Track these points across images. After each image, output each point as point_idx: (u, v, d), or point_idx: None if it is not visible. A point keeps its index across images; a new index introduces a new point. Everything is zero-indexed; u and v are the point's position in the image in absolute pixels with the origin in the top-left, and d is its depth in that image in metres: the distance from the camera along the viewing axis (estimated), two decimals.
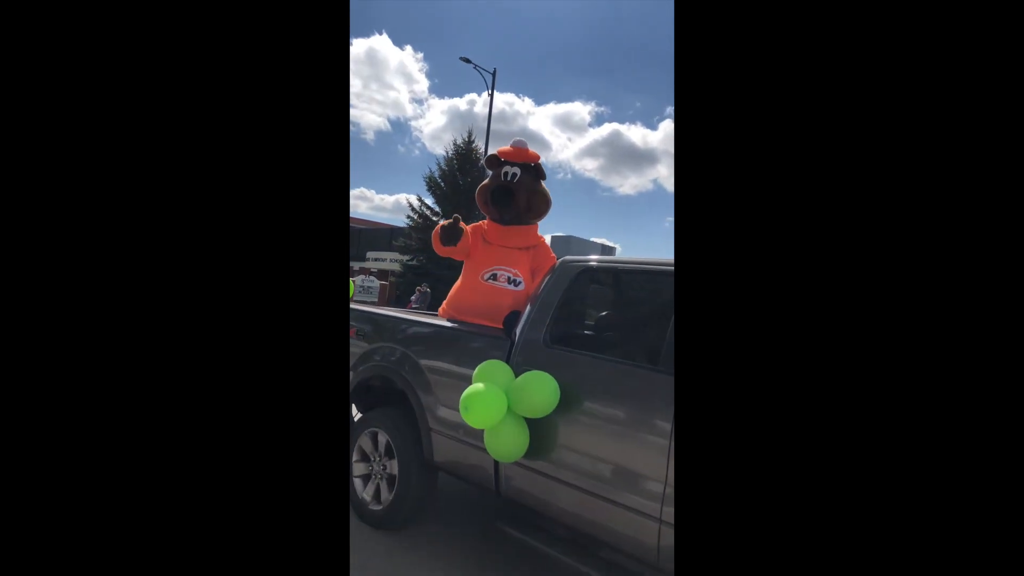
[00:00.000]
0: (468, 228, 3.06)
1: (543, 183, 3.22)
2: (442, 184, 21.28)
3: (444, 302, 3.18)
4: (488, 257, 3.07)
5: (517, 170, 3.12)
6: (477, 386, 2.19)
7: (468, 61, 17.35)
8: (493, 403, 2.14)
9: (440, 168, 21.61)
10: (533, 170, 3.18)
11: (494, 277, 3.00)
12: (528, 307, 2.58)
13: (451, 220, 2.92)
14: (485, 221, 3.25)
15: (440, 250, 3.04)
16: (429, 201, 21.43)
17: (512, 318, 2.66)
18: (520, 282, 3.04)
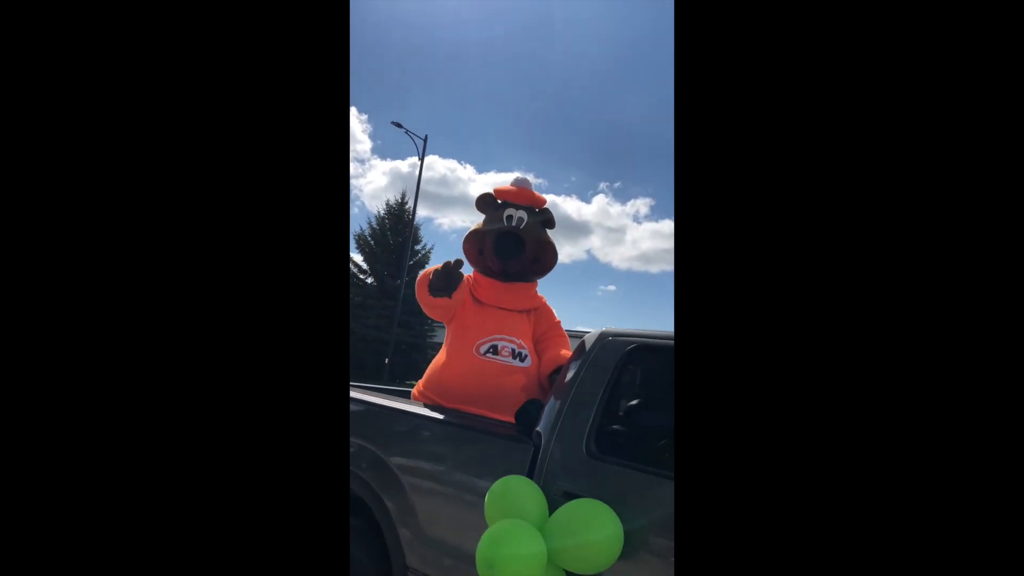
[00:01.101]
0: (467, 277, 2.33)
1: (549, 232, 2.55)
2: (371, 242, 20.69)
3: (421, 382, 2.37)
4: (483, 322, 2.32)
5: (523, 214, 2.44)
6: (505, 528, 1.41)
7: (399, 126, 17.13)
8: (531, 558, 1.36)
9: (371, 227, 21.05)
10: (540, 216, 2.52)
11: (494, 350, 2.24)
12: (553, 399, 1.85)
13: (453, 262, 2.14)
14: (472, 275, 2.52)
15: (427, 301, 2.24)
16: (358, 259, 20.66)
17: (530, 410, 1.91)
18: (527, 355, 2.29)
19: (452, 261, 2.13)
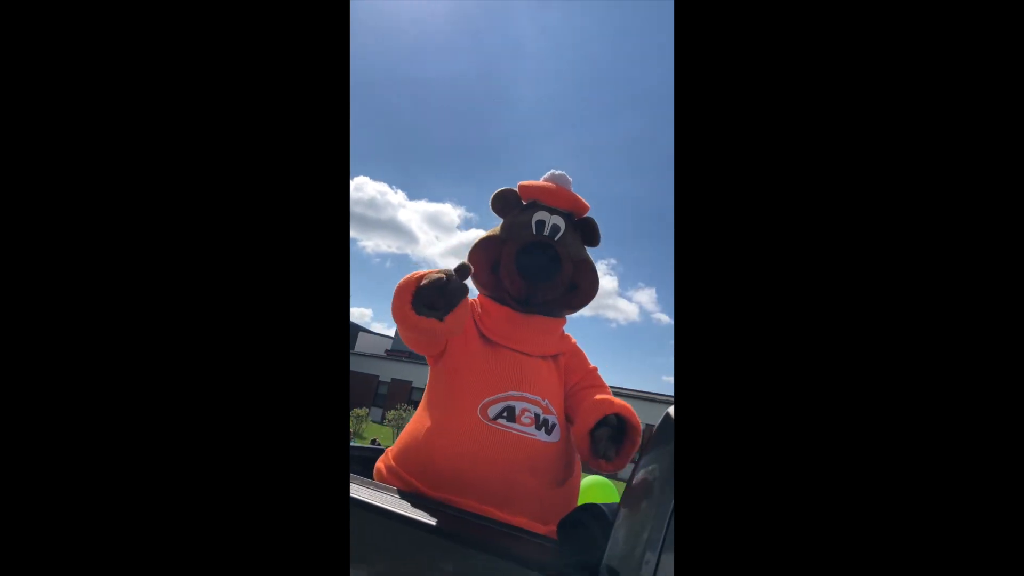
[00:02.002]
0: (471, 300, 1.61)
1: (590, 251, 1.87)
2: None
3: (390, 453, 1.60)
4: (492, 370, 1.59)
5: (560, 221, 1.73)
6: None
7: None
8: None
9: None
10: (581, 227, 1.84)
11: (509, 413, 1.51)
12: (626, 513, 1.16)
13: (457, 268, 1.39)
14: (477, 299, 1.80)
15: (407, 320, 1.39)
16: None
17: (586, 524, 1.22)
18: (554, 425, 1.58)
19: (455, 267, 1.38)
